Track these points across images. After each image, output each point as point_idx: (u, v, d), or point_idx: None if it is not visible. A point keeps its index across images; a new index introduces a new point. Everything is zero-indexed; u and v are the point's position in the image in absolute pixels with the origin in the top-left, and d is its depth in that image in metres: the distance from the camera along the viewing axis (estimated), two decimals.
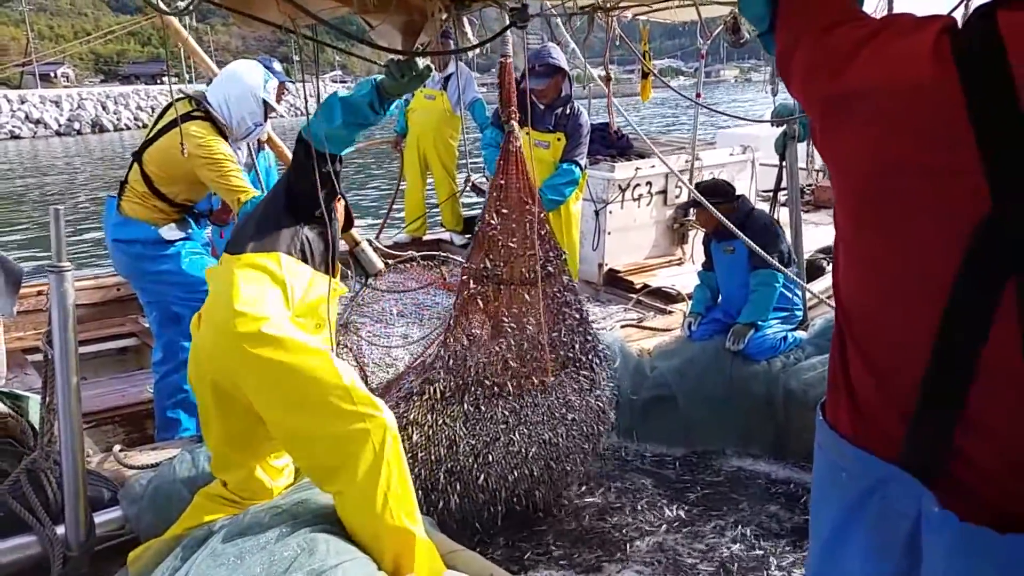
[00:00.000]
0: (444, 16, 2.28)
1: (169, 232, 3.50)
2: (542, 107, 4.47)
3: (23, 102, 42.12)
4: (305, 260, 2.50)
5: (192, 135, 3.29)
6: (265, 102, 3.56)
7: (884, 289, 1.06)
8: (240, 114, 3.50)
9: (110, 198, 3.59)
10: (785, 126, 4.25)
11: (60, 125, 42.32)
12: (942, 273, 0.96)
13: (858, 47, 1.05)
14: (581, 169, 4.57)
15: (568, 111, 4.51)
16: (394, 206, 6.40)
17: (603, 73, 4.59)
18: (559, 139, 4.51)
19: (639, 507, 3.45)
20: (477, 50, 2.77)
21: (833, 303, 1.27)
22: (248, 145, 3.92)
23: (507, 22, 2.61)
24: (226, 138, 3.45)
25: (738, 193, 4.11)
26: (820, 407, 1.22)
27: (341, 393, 2.21)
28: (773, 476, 3.75)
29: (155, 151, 3.42)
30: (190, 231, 3.60)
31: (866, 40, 1.05)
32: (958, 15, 2.43)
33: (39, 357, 4.27)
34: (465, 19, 2.43)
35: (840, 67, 1.06)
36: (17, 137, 39.63)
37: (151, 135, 3.47)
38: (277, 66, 4.43)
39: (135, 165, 3.49)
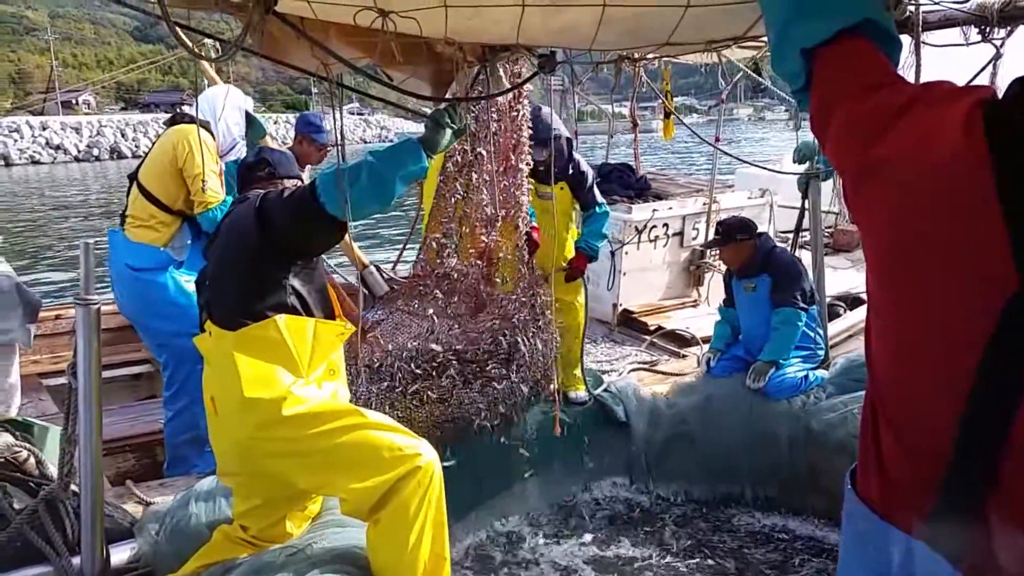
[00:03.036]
0: (477, 69, 2.31)
1: (176, 251, 3.55)
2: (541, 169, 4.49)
3: (44, 128, 42.90)
4: (303, 312, 2.30)
5: (184, 131, 3.48)
6: (248, 113, 3.77)
7: (911, 360, 1.05)
8: (225, 124, 3.65)
9: (112, 231, 3.60)
10: (807, 164, 4.24)
11: (79, 151, 43.00)
12: (969, 348, 0.94)
13: (894, 117, 1.03)
14: (601, 205, 4.59)
15: (571, 168, 4.53)
16: (410, 240, 6.38)
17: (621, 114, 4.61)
18: (562, 188, 4.52)
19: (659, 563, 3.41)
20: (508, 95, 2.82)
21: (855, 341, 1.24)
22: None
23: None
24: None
25: (760, 231, 4.11)
26: (849, 475, 1.19)
27: (380, 444, 2.19)
28: (798, 532, 3.70)
29: (148, 162, 3.55)
30: (191, 241, 3.61)
31: (902, 110, 1.03)
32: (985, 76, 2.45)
33: (55, 382, 4.28)
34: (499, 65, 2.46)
35: (875, 136, 1.04)
36: (37, 162, 40.28)
37: (145, 157, 3.61)
38: (327, 125, 4.48)
39: (133, 187, 3.56)
